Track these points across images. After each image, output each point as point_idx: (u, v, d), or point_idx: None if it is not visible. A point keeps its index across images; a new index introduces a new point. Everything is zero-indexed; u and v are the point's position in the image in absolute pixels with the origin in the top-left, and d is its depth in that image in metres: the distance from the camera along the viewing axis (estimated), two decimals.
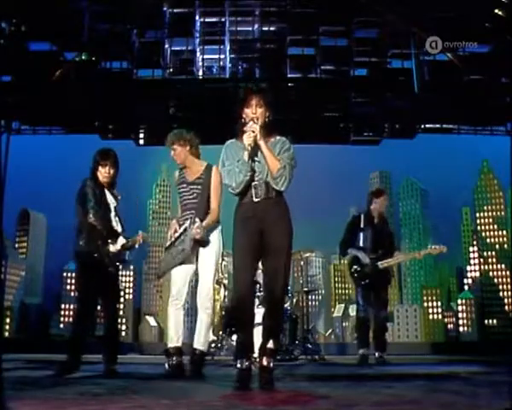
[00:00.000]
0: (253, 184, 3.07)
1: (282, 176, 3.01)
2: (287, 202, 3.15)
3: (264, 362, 2.97)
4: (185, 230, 4.11)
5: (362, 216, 6.26)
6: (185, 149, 4.42)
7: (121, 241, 4.22)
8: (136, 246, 4.44)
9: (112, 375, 3.96)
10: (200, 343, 4.20)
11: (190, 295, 4.50)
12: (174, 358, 4.13)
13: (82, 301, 4.19)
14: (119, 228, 4.30)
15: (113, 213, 4.30)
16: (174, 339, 4.19)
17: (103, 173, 4.23)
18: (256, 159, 3.07)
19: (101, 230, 4.12)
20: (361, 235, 6.17)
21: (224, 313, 6.96)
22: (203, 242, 4.15)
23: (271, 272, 3.03)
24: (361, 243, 6.15)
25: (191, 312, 4.70)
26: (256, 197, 3.06)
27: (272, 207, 3.06)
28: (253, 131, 2.98)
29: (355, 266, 6.11)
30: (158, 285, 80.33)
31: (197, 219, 4.09)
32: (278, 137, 3.20)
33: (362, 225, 6.20)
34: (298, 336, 6.83)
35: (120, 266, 4.41)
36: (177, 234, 4.20)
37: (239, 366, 3.00)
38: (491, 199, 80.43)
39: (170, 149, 4.46)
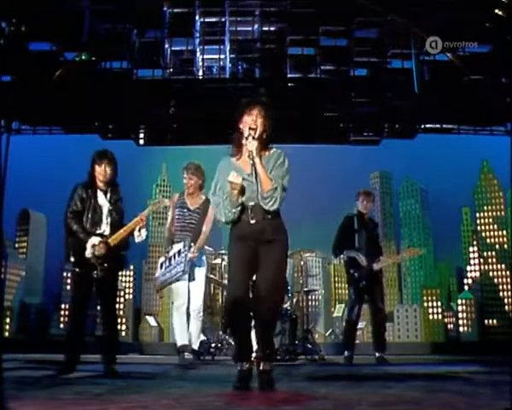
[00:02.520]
0: (250, 205, 3.02)
1: (271, 197, 2.97)
2: (283, 222, 3.12)
3: (262, 367, 2.98)
4: (179, 251, 5.00)
5: (355, 218, 6.26)
6: (199, 181, 5.29)
7: (90, 243, 4.08)
8: (136, 233, 4.22)
9: (112, 375, 3.96)
10: (195, 343, 5.33)
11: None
12: (185, 354, 5.19)
13: (73, 301, 4.22)
14: (107, 230, 4.18)
15: (104, 215, 4.20)
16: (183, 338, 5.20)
17: (100, 172, 4.20)
18: (251, 180, 3.03)
19: (78, 234, 4.10)
20: (356, 236, 6.16)
21: (224, 313, 6.96)
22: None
23: (263, 290, 2.97)
24: (356, 245, 6.15)
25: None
26: (252, 219, 3.02)
27: (268, 229, 3.02)
28: (251, 148, 2.98)
29: (353, 269, 6.09)
30: None
31: (192, 244, 5.05)
32: (273, 150, 3.14)
33: (356, 227, 6.19)
34: (298, 336, 6.82)
35: (118, 266, 4.32)
36: (171, 253, 5.06)
37: (239, 367, 3.02)
38: (491, 199, 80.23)
39: (185, 175, 5.29)
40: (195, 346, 5.37)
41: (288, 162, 3.11)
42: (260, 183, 2.99)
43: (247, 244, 3.02)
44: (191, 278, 5.20)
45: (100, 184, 4.25)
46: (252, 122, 3.05)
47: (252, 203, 3.03)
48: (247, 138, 3.03)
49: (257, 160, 2.99)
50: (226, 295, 3.11)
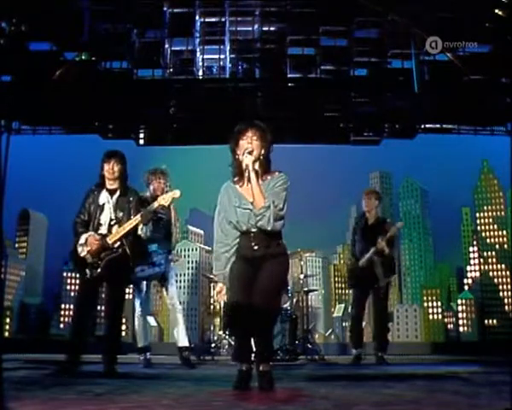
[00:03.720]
0: (252, 232, 3.01)
1: (263, 215, 2.95)
2: (285, 246, 3.10)
3: (261, 368, 2.98)
4: (156, 251, 5.25)
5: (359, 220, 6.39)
6: (168, 183, 5.39)
7: (81, 240, 4.06)
8: (139, 231, 4.12)
9: (112, 375, 3.95)
10: (181, 341, 5.28)
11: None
12: (147, 354, 5.30)
13: (76, 302, 4.24)
14: (107, 230, 4.12)
15: (105, 215, 4.14)
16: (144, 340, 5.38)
17: (108, 170, 4.17)
18: (253, 210, 3.00)
19: (78, 235, 4.09)
20: (355, 238, 6.25)
21: (223, 313, 6.96)
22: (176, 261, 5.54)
23: (259, 297, 2.95)
24: (351, 246, 6.29)
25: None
26: (255, 246, 3.01)
27: (271, 253, 3.01)
28: (247, 163, 2.97)
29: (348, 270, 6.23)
30: (158, 285, 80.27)
31: (170, 250, 5.33)
32: (277, 174, 3.10)
33: (355, 228, 6.32)
34: (298, 336, 6.82)
35: (123, 265, 4.25)
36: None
37: (239, 368, 3.02)
38: (491, 199, 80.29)
39: (160, 179, 5.38)
40: (186, 343, 5.35)
41: (287, 185, 3.06)
42: (254, 198, 2.97)
43: (248, 265, 3.03)
44: (164, 279, 5.50)
45: (108, 184, 4.21)
46: (248, 145, 3.02)
47: (254, 230, 3.01)
48: (243, 154, 3.00)
49: (252, 174, 2.97)
50: (227, 302, 3.12)
